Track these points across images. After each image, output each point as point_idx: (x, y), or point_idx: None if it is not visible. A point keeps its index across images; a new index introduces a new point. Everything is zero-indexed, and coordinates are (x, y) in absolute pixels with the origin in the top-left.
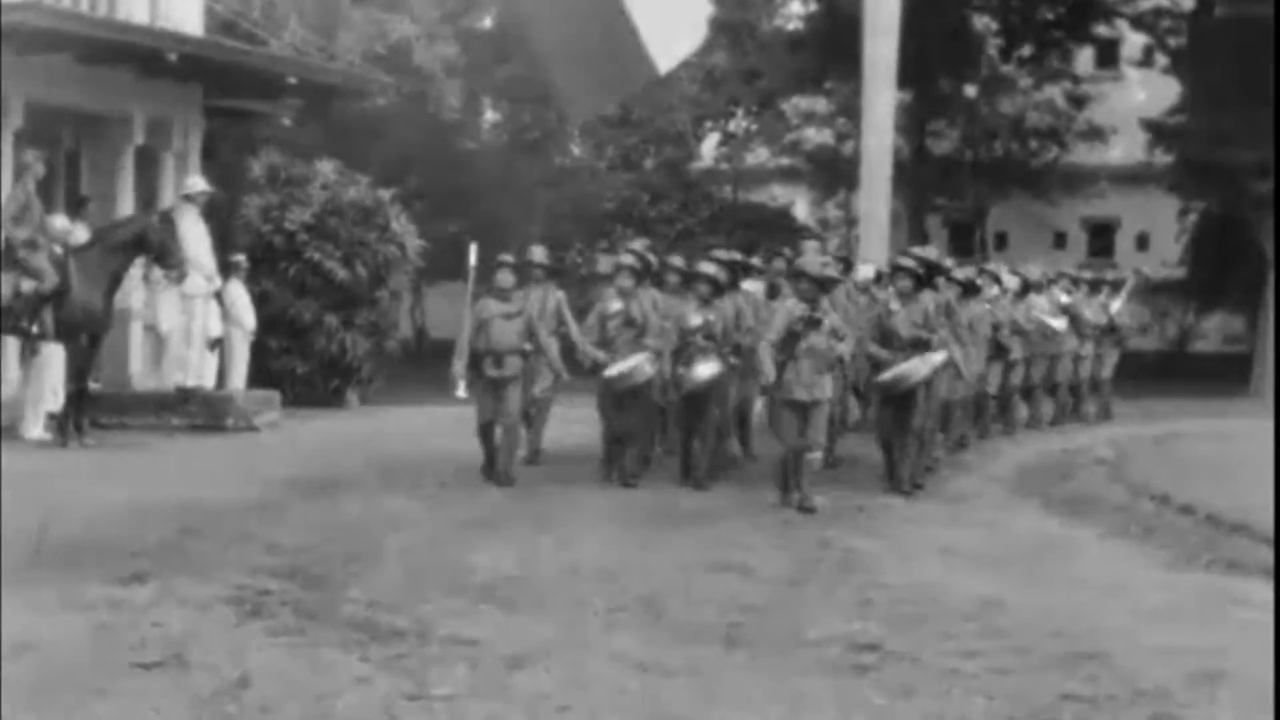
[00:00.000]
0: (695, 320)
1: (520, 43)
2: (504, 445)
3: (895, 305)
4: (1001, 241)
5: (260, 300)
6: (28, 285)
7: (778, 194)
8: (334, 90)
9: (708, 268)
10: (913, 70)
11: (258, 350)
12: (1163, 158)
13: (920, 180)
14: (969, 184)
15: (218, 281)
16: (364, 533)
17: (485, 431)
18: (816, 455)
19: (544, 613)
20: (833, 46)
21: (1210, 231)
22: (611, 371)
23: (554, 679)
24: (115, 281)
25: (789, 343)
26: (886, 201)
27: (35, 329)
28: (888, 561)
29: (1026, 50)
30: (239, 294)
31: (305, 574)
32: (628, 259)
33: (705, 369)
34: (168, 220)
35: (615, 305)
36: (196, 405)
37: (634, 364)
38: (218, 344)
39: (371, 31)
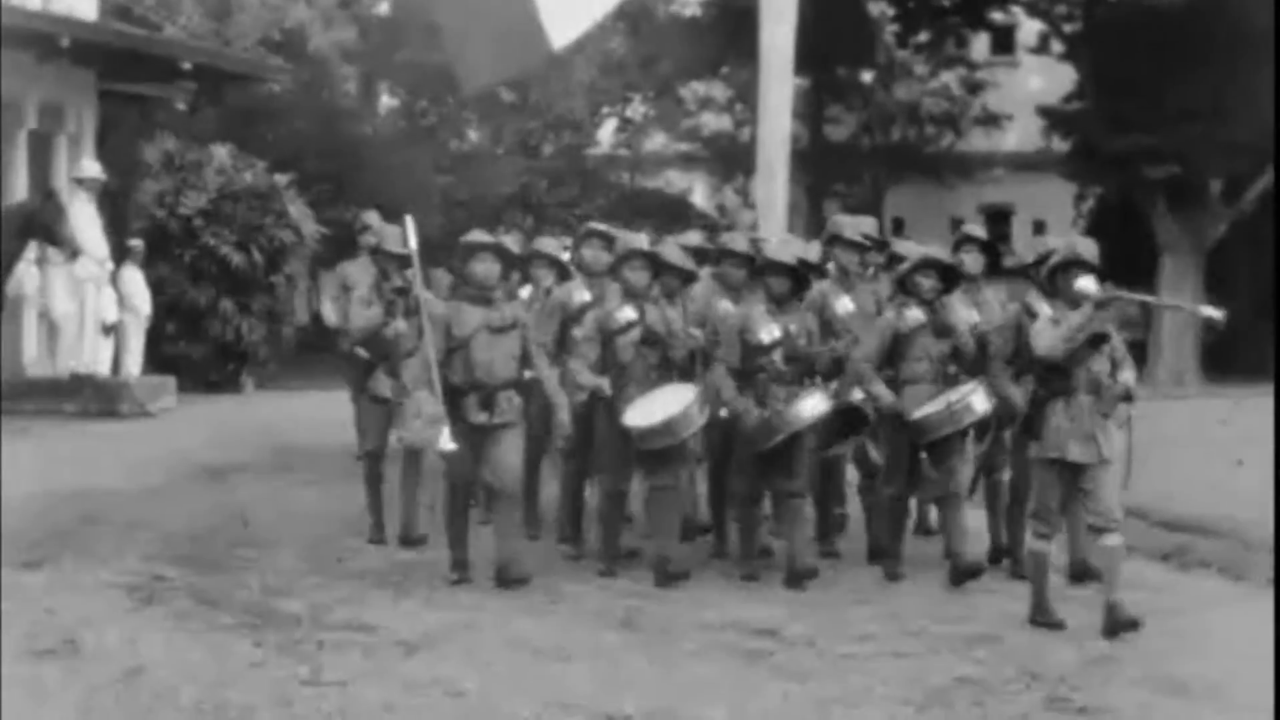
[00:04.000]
0: (770, 332)
1: (417, 28)
2: (502, 526)
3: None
4: (899, 227)
5: (155, 285)
6: None
7: (675, 180)
8: (229, 75)
9: (782, 254)
10: (810, 57)
11: (153, 335)
12: (1059, 144)
13: (818, 166)
14: (866, 170)
15: (110, 266)
16: (258, 518)
17: (456, 504)
18: (1115, 540)
19: (439, 598)
20: (730, 32)
21: (1106, 217)
22: (637, 419)
23: (449, 664)
24: (6, 266)
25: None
26: (784, 187)
27: None
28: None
29: (923, 37)
30: (134, 279)
31: (200, 560)
32: (637, 241)
33: (812, 404)
34: (53, 200)
35: (627, 313)
36: (91, 391)
37: (682, 408)
38: (112, 329)
39: (267, 16)
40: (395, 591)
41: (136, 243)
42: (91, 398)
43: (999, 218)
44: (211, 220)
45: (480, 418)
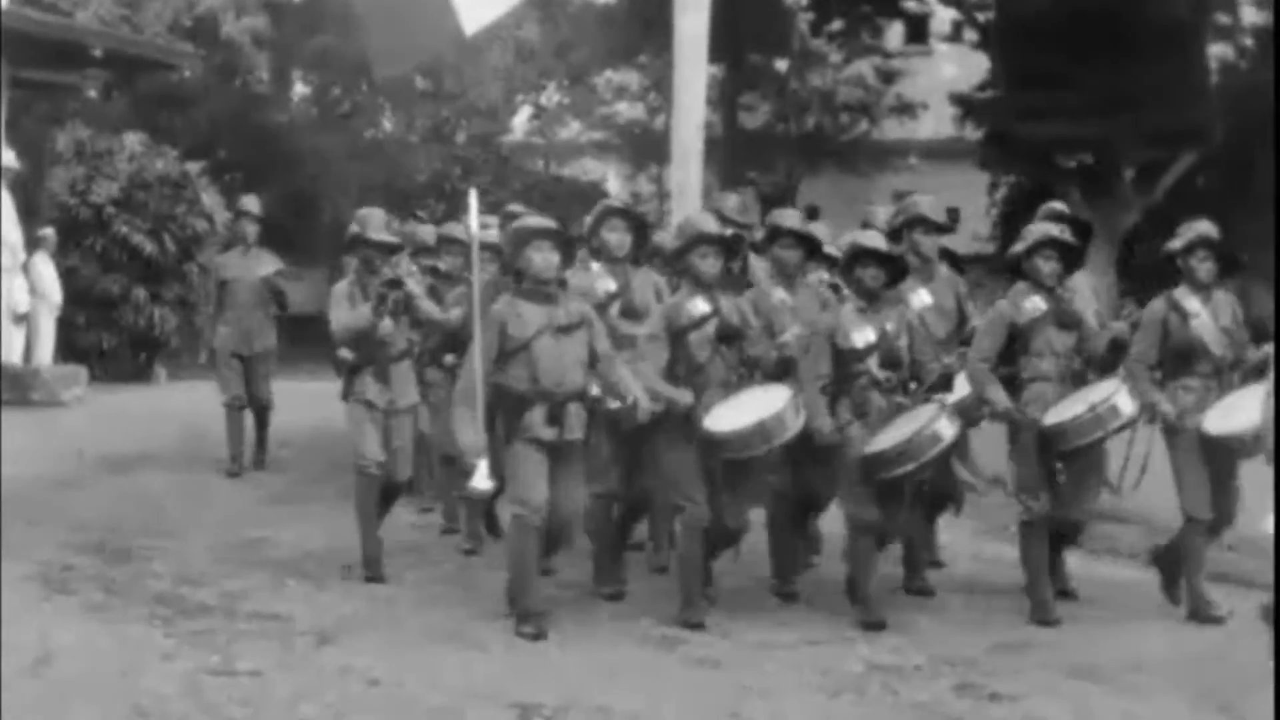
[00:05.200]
0: (865, 335)
1: (330, 14)
2: (564, 533)
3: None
4: (813, 214)
5: (67, 274)
6: None
7: (590, 168)
8: (140, 62)
9: (874, 241)
10: (724, 45)
11: (64, 324)
12: (972, 133)
13: (732, 154)
14: (780, 158)
15: (22, 255)
16: (171, 508)
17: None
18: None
19: (352, 588)
20: (645, 20)
21: (1019, 206)
22: (722, 425)
23: (362, 653)
24: None
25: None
26: (699, 175)
27: None
28: None
29: (837, 25)
30: (45, 268)
31: (111, 549)
32: (709, 224)
33: (945, 424)
34: None
35: (699, 305)
36: (2, 380)
37: (776, 410)
38: (24, 318)
39: (178, 3)
40: (308, 581)
41: (47, 231)
42: (2, 387)
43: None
44: (123, 209)
45: (548, 433)
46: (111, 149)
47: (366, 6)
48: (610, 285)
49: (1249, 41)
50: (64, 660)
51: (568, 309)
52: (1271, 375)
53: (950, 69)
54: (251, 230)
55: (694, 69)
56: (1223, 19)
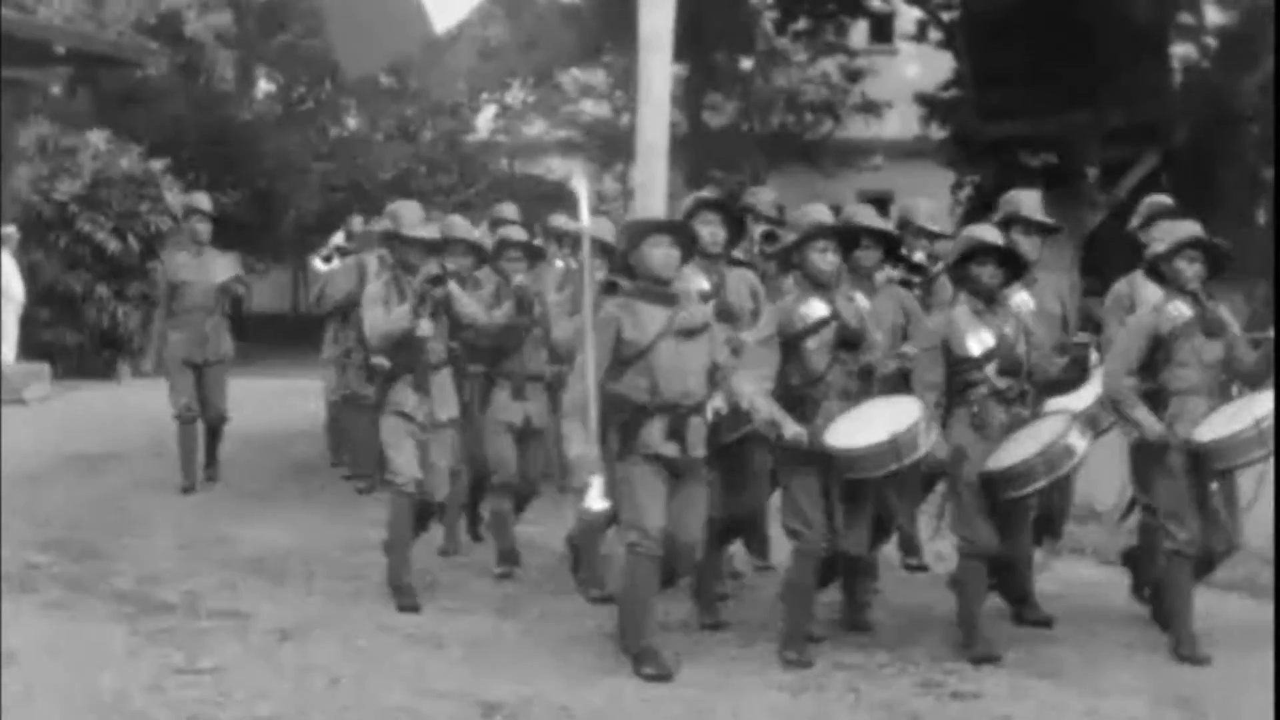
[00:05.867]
0: (981, 340)
1: (295, 12)
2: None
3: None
4: (779, 213)
5: (30, 271)
6: None
7: (555, 167)
8: (104, 59)
9: (992, 236)
10: (689, 43)
11: (27, 322)
12: (937, 132)
13: (697, 153)
14: (745, 156)
15: None
16: (134, 506)
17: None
18: None
19: (314, 585)
20: (610, 19)
21: (984, 205)
22: (846, 441)
23: (324, 651)
24: None
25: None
26: (663, 174)
27: None
28: None
29: (802, 24)
30: (8, 265)
31: (74, 547)
32: (826, 215)
33: (1076, 437)
34: None
35: (816, 308)
36: None
37: (909, 423)
38: None
39: (142, 1)
40: (270, 579)
41: (10, 229)
42: None
43: (878, 205)
44: (87, 206)
45: (669, 449)
46: (75, 146)
47: (335, 8)
48: (704, 284)
49: (1212, 41)
50: (27, 658)
51: (690, 311)
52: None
53: (915, 68)
54: (203, 229)
55: (659, 67)
56: (1186, 18)
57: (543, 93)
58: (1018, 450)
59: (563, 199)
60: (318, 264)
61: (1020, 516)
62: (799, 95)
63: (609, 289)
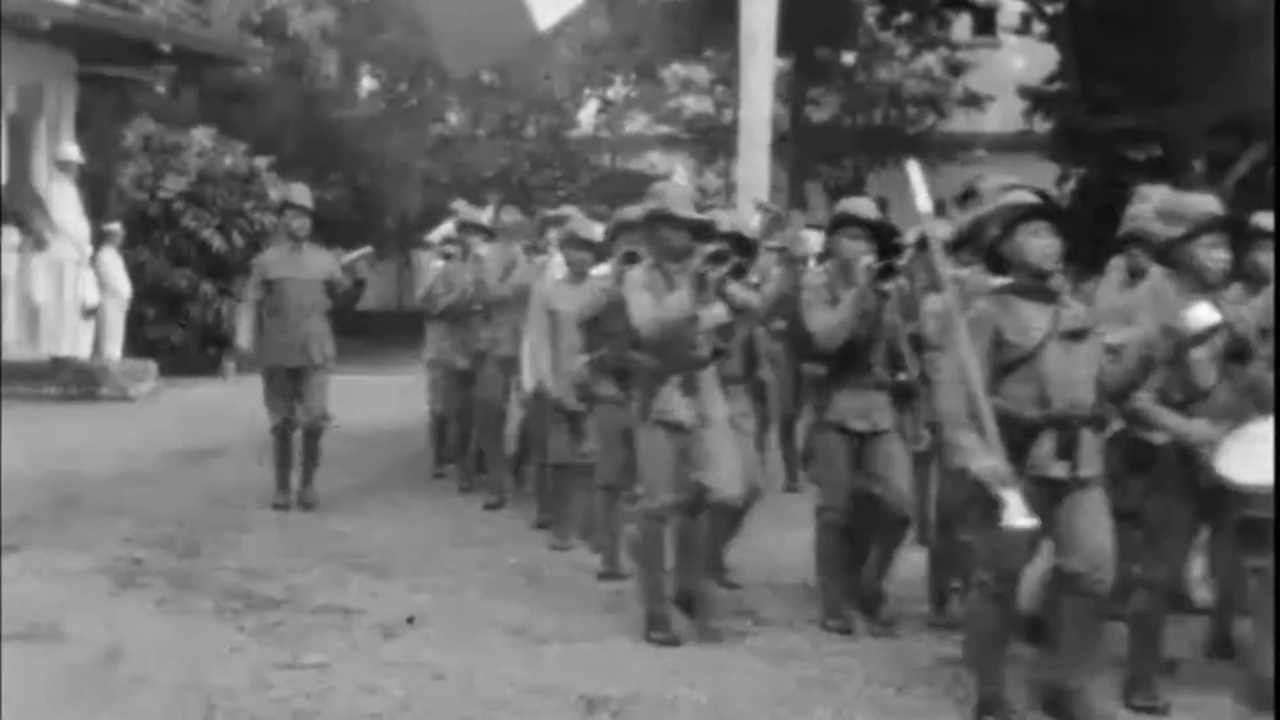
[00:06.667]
0: (1203, 314)
1: (397, 10)
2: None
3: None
4: (881, 208)
5: (136, 269)
6: None
7: (656, 162)
8: (208, 58)
9: (1211, 204)
10: (791, 38)
11: (133, 319)
12: (1041, 125)
13: (799, 147)
14: (848, 151)
15: (89, 250)
16: (238, 502)
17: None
18: None
19: (419, 581)
20: (711, 14)
21: (1089, 198)
22: (1251, 473)
23: (429, 646)
24: None
25: None
26: (765, 169)
27: None
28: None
29: (904, 18)
30: (114, 262)
31: (180, 543)
32: (1214, 204)
33: None
34: (26, 186)
35: (1204, 313)
36: (71, 375)
37: None
38: (93, 313)
39: None
40: (374, 575)
41: (115, 226)
42: (72, 381)
43: (970, 197)
44: (191, 203)
45: (1058, 470)
46: (180, 144)
47: (440, 9)
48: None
49: None
50: (133, 653)
51: (1075, 310)
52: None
53: (1018, 61)
54: (300, 224)
55: (761, 62)
56: None
57: (645, 88)
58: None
59: None
60: (434, 261)
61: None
62: (901, 89)
63: (628, 260)
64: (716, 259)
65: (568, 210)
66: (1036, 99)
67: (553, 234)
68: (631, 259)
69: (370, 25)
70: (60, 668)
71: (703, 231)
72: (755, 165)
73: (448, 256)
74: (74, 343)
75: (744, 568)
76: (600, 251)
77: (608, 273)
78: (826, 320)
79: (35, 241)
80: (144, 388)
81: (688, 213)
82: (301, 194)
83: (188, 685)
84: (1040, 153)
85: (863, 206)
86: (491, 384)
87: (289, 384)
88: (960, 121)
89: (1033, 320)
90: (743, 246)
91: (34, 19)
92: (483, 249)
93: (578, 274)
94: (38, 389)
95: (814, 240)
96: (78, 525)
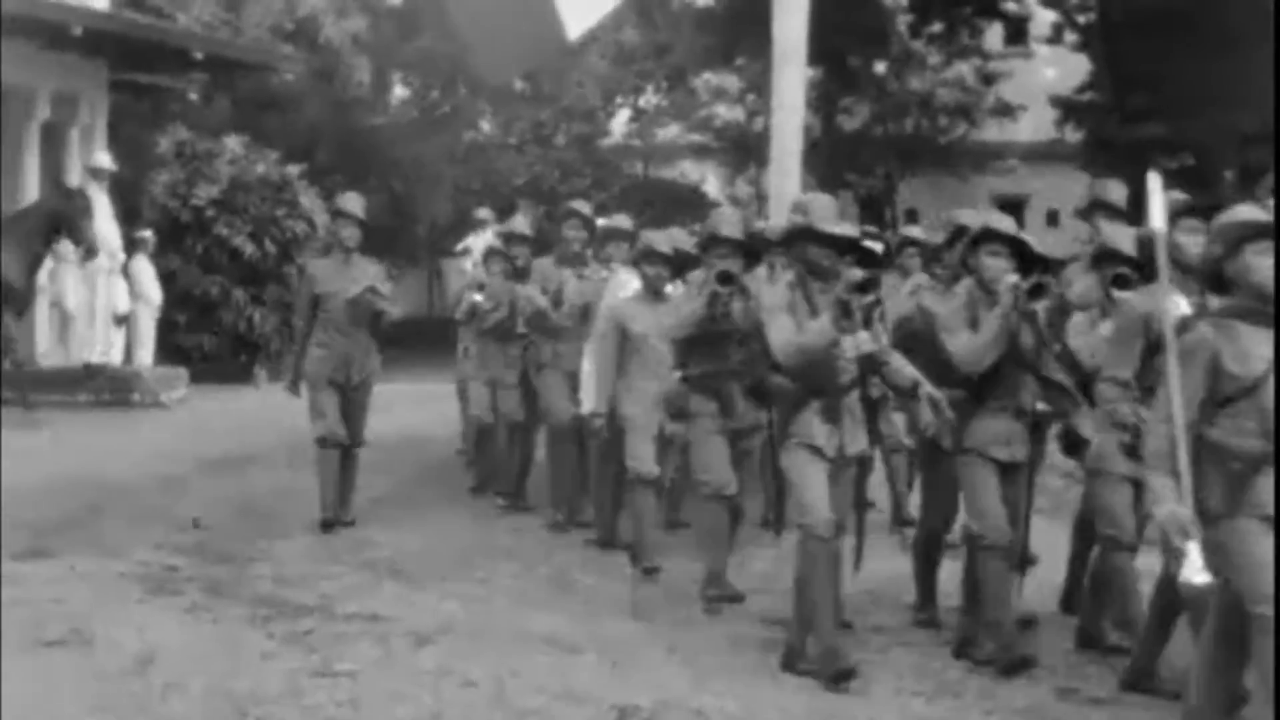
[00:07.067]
0: None
1: (429, 18)
2: None
3: None
4: (912, 217)
5: (167, 276)
6: None
7: (688, 170)
8: (241, 65)
9: None
10: (823, 47)
11: (165, 326)
12: (1073, 134)
13: (831, 156)
14: (879, 160)
15: (121, 257)
16: (270, 509)
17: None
18: None
19: (450, 588)
20: (743, 22)
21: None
22: None
23: (459, 655)
24: (38, 260)
25: None
26: (797, 178)
27: None
28: None
29: (936, 27)
30: (145, 269)
31: (212, 550)
32: None
33: None
34: (83, 197)
35: None
36: (103, 381)
37: None
38: (124, 320)
39: (279, 6)
40: (407, 583)
41: (146, 233)
42: (104, 388)
43: (1013, 208)
44: (223, 211)
45: None
46: (212, 151)
47: (470, 19)
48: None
49: None
50: (165, 660)
51: None
52: None
53: (1050, 71)
54: (351, 234)
55: (793, 71)
56: None
57: (676, 97)
58: None
59: (695, 203)
60: (465, 267)
61: None
62: (933, 98)
63: (724, 280)
64: (864, 287)
65: (621, 220)
66: (1068, 108)
67: (612, 247)
68: (727, 280)
69: (402, 32)
70: (92, 674)
71: (851, 249)
72: (787, 174)
73: (490, 268)
74: (106, 349)
75: (778, 577)
76: (679, 266)
77: (690, 290)
78: (971, 343)
79: (86, 252)
80: (176, 395)
81: (837, 228)
82: (354, 203)
83: (219, 692)
84: (1072, 162)
85: (1004, 221)
86: (557, 398)
87: (335, 398)
88: (992, 131)
89: (1254, 347)
90: (869, 261)
91: (66, 27)
92: (535, 263)
93: (654, 291)
94: (70, 396)
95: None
96: (110, 532)
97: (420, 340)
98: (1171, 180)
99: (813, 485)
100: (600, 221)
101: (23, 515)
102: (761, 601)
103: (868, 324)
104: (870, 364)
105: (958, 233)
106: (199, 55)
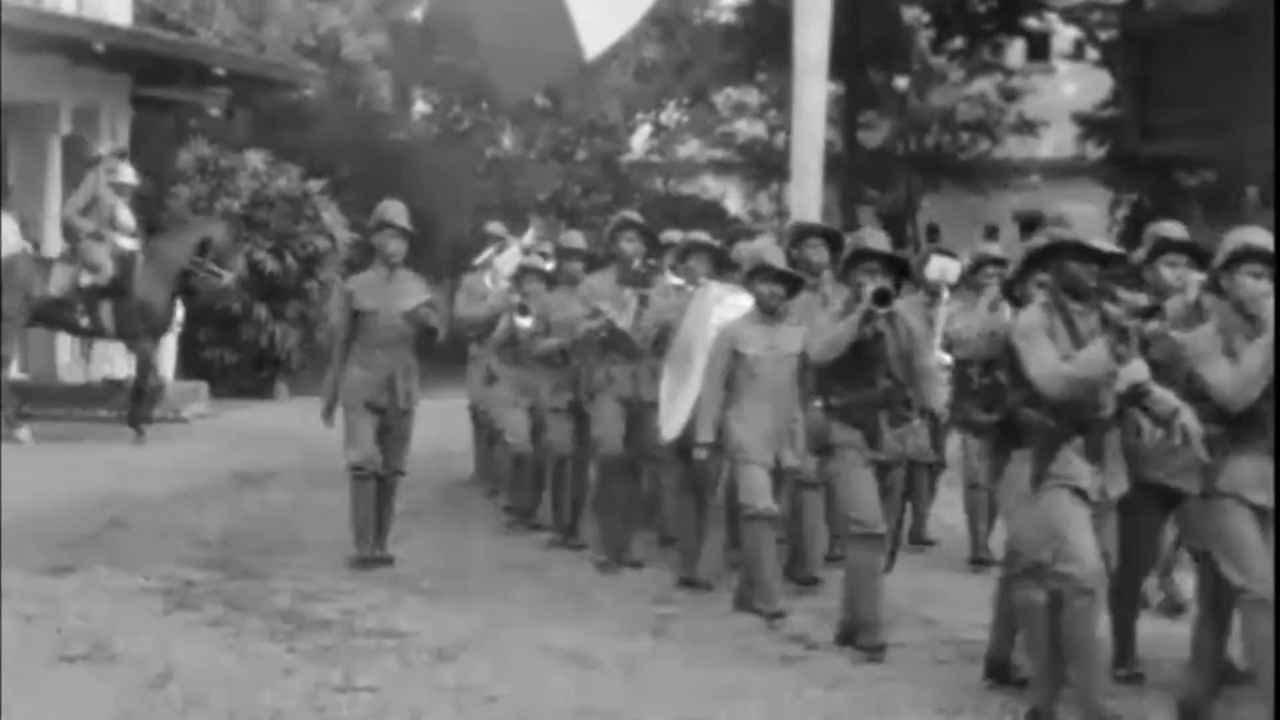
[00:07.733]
0: None
1: (450, 34)
2: None
3: None
4: (933, 234)
5: (188, 291)
6: (86, 279)
7: (709, 186)
8: (263, 81)
9: None
10: (844, 63)
11: (186, 341)
12: (1094, 151)
13: (852, 172)
14: (900, 176)
15: None
16: (291, 524)
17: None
18: None
19: (470, 605)
20: (764, 38)
21: (1141, 224)
22: None
23: (480, 670)
24: (180, 281)
25: None
26: (818, 194)
27: (87, 323)
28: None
29: (957, 43)
30: None
31: (232, 565)
32: None
33: None
34: (237, 225)
35: None
36: (124, 397)
37: None
38: None
39: (301, 22)
40: (427, 598)
41: None
42: (125, 403)
43: (1034, 224)
44: (245, 226)
45: None
46: (234, 167)
47: (488, 35)
48: None
49: None
50: (184, 676)
51: None
52: None
53: (1072, 87)
54: (396, 246)
55: (813, 87)
56: None
57: (697, 112)
58: None
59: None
60: (483, 282)
61: None
62: (954, 114)
63: (881, 299)
64: (1149, 313)
65: (701, 235)
66: (1090, 125)
67: (694, 261)
68: (884, 299)
69: (424, 48)
70: (114, 689)
71: (1113, 264)
72: (808, 190)
73: (525, 287)
74: (127, 365)
75: (800, 595)
76: (793, 286)
77: (831, 310)
78: (1234, 376)
79: (228, 282)
80: (197, 409)
81: (1100, 245)
82: (398, 213)
83: (240, 707)
84: (1093, 179)
85: (1261, 236)
86: (611, 427)
87: (373, 424)
88: (1013, 147)
89: None
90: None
91: (89, 42)
92: (590, 279)
93: (769, 311)
94: (91, 411)
95: (951, 269)
96: (131, 546)
97: (440, 355)
98: (1193, 197)
99: (1081, 532)
100: (669, 234)
101: (44, 530)
102: (784, 617)
103: (1144, 352)
104: (1134, 395)
105: (1160, 246)
106: (221, 71)
